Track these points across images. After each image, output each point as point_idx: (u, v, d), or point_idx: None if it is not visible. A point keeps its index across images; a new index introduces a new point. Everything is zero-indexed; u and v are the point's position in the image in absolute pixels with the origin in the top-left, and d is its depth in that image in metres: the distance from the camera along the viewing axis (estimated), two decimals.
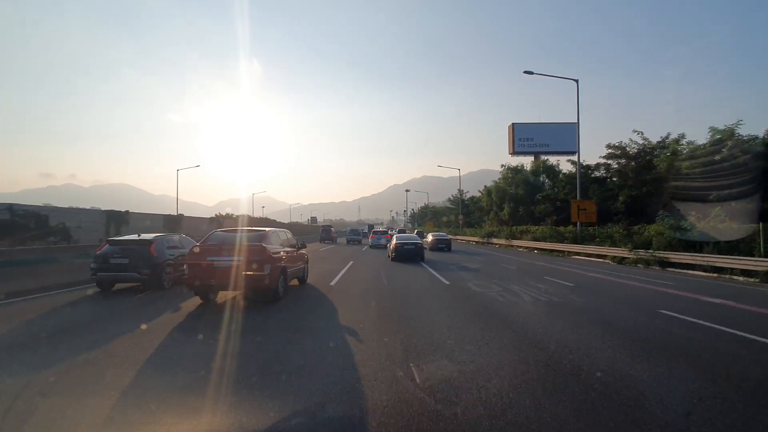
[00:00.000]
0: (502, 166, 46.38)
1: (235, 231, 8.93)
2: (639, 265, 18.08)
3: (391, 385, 3.75)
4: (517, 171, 43.34)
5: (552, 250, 27.13)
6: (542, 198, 35.55)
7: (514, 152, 47.50)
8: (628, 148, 27.72)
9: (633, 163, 27.09)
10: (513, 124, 47.70)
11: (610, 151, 29.02)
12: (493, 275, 13.47)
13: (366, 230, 54.94)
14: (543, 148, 46.50)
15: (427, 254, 22.87)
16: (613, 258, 20.11)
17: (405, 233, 29.49)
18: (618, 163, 28.91)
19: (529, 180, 41.09)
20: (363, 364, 4.32)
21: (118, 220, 26.98)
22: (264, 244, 7.96)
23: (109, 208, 29.46)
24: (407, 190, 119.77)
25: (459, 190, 69.91)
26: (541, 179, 42.09)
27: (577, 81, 24.95)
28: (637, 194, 25.33)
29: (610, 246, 21.24)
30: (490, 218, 45.80)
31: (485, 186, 58.19)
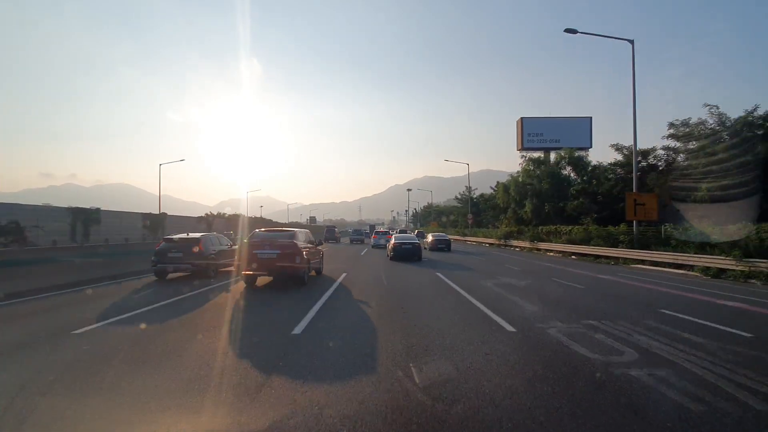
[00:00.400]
0: (523, 157, 40.70)
1: (273, 230, 12.79)
2: (753, 280, 12.89)
3: (390, 318, 7.03)
4: (540, 162, 37.53)
5: (598, 256, 21.73)
6: (577, 192, 29.91)
7: (523, 148, 44.40)
8: (702, 127, 21.93)
9: (723, 142, 21.01)
10: (522, 118, 44.52)
11: (671, 132, 23.35)
12: (571, 306, 8.63)
13: (368, 230, 56.29)
14: (554, 144, 42.74)
15: (428, 254, 23.66)
16: (705, 269, 14.71)
17: (405, 233, 29.38)
18: (692, 145, 23.05)
19: (555, 173, 35.45)
20: (372, 314, 7.41)
21: (86, 219, 24.95)
22: (295, 241, 10.96)
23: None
24: (409, 190, 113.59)
25: (467, 186, 64.32)
26: (566, 172, 36.59)
27: (632, 42, 20.90)
28: (728, 183, 19.47)
29: (696, 252, 15.76)
30: (507, 217, 40.08)
31: (498, 182, 52.54)
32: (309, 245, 11.91)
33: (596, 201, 27.57)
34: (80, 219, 24.23)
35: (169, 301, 8.74)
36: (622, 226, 21.65)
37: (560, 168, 36.53)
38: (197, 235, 12.84)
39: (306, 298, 8.95)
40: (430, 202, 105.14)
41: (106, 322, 6.74)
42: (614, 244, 21.23)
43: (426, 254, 23.36)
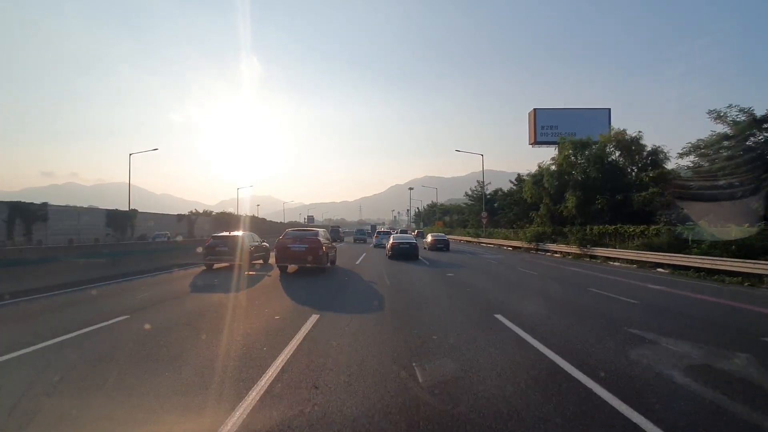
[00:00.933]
0: (561, 138, 33.05)
1: (301, 230, 15.47)
2: None
3: (391, 286, 10.83)
4: (584, 146, 29.70)
5: (714, 272, 14.43)
6: (656, 177, 22.30)
7: (536, 142, 41.66)
8: None
9: None
10: (535, 110, 41.38)
11: None
12: None
13: (370, 230, 59.39)
14: (569, 138, 38.52)
15: (427, 253, 25.35)
16: None
17: (405, 233, 31.30)
18: None
19: (602, 158, 27.98)
20: (379, 288, 10.47)
21: (28, 216, 23.37)
22: (318, 238, 13.89)
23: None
24: (410, 189, 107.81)
25: (479, 182, 56.98)
26: (615, 158, 29.33)
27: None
28: None
29: None
30: (539, 214, 32.45)
31: (518, 174, 45.21)
32: (327, 242, 15.23)
33: (687, 190, 19.76)
34: (22, 216, 22.50)
35: (234, 282, 12.06)
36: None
37: (609, 153, 29.14)
38: (239, 233, 15.79)
39: (333, 278, 12.80)
40: (434, 200, 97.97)
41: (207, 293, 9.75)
42: (748, 254, 13.68)
43: (425, 254, 24.73)
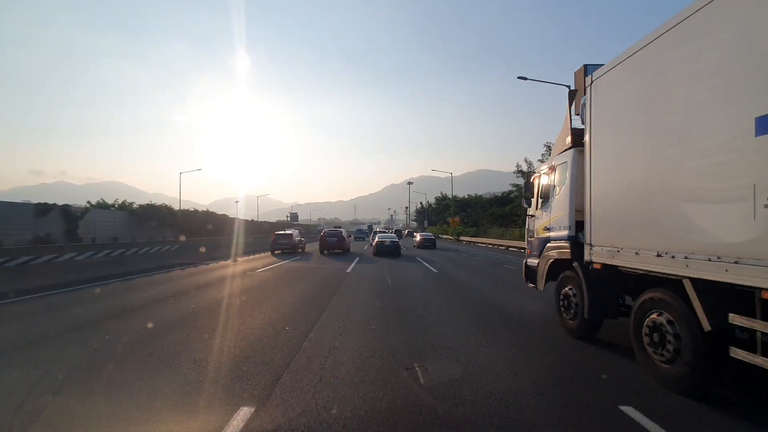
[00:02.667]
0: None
1: (333, 229, 29.57)
2: None
3: (381, 258, 21.24)
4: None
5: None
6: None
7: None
8: None
9: None
10: (585, 66, 33.18)
11: None
12: None
13: (367, 230, 66.78)
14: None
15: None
16: None
17: (385, 233, 34.06)
18: None
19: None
20: (378, 262, 19.07)
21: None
22: (343, 234, 26.11)
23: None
24: (410, 183, 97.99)
25: (526, 159, 41.44)
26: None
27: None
28: None
29: None
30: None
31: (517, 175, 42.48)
32: (346, 236, 26.99)
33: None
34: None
35: (294, 258, 21.47)
36: None
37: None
38: (291, 230, 27.09)
39: (350, 257, 21.82)
40: (443, 192, 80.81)
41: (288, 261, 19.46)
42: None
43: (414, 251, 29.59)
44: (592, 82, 5.42)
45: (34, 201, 27.46)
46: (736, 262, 3.27)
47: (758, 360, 3.18)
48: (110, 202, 34.76)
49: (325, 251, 24.71)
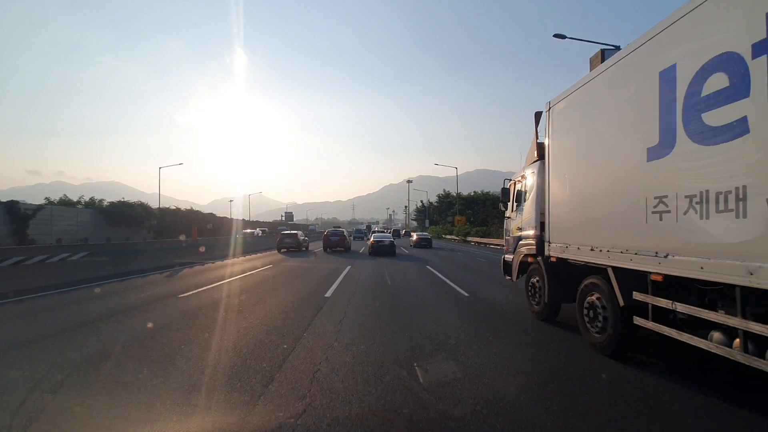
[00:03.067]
0: None
1: (335, 229, 32.24)
2: None
3: (382, 256, 23.01)
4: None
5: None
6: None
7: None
8: None
9: None
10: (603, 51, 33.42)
11: None
12: None
13: (365, 230, 68.64)
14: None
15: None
16: None
17: (382, 232, 36.31)
18: None
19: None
20: (376, 258, 22.13)
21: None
22: (345, 234, 28.88)
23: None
24: (409, 181, 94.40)
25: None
26: None
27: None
28: None
29: None
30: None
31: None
32: (347, 236, 29.74)
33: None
34: None
35: (299, 256, 23.45)
36: None
37: None
38: (296, 231, 29.60)
39: (351, 255, 23.96)
40: (446, 190, 77.47)
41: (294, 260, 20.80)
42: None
43: (411, 249, 31.25)
44: (549, 108, 6.64)
45: (30, 201, 26.98)
46: (636, 254, 4.46)
47: (650, 324, 4.38)
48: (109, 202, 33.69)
49: (328, 249, 27.52)
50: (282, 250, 26.85)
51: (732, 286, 3.37)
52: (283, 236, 27.76)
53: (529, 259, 7.53)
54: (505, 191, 8.96)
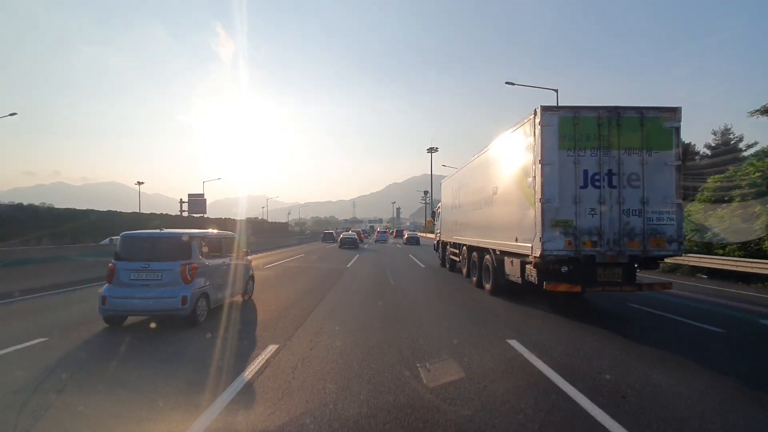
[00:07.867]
0: None
1: (348, 230, 57.23)
2: None
3: (383, 246, 39.20)
4: None
5: None
6: None
7: None
8: None
9: None
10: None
11: None
12: None
13: (366, 232, 73.31)
14: None
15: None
16: None
17: (383, 233, 51.01)
18: None
19: None
20: (377, 249, 34.93)
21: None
22: (355, 233, 40.75)
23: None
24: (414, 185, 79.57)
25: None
26: None
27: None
28: None
29: None
30: None
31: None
32: (358, 234, 45.00)
33: None
34: None
35: (337, 246, 37.50)
36: None
37: None
38: (332, 230, 58.20)
39: (360, 249, 33.95)
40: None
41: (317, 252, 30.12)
42: None
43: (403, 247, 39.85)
44: (441, 183, 16.82)
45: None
46: (476, 239, 14.16)
47: (459, 258, 14.61)
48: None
49: (344, 246, 35.88)
50: (325, 243, 44.41)
51: (478, 247, 12.62)
52: (324, 234, 49.41)
53: (440, 242, 17.76)
54: (435, 213, 19.35)
